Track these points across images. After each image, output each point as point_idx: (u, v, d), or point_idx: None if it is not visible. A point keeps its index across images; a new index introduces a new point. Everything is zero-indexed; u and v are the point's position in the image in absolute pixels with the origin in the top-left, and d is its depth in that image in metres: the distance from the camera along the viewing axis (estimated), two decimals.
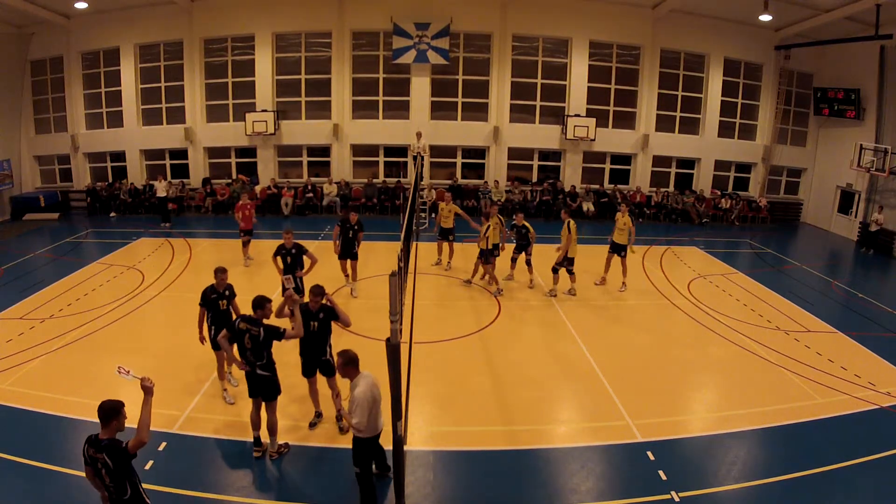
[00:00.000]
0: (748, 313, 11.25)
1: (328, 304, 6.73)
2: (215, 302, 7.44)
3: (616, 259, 12.27)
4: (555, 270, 11.64)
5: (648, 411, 7.52)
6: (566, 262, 11.47)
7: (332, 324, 6.81)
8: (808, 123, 20.51)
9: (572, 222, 11.26)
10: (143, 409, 4.26)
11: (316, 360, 6.78)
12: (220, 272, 7.52)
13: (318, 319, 6.63)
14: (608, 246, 12.44)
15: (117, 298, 10.99)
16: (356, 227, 11.01)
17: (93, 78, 19.45)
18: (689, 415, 7.69)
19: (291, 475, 6.16)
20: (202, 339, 7.55)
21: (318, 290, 6.66)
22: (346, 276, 11.48)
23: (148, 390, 4.35)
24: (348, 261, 11.24)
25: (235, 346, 6.30)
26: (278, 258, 9.54)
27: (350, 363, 5.34)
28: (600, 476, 6.33)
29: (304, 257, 9.53)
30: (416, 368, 8.33)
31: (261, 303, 6.22)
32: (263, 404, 6.31)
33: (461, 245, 13.86)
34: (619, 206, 13.73)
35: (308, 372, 6.86)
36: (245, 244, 13.33)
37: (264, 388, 6.23)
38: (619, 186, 20.17)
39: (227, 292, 7.55)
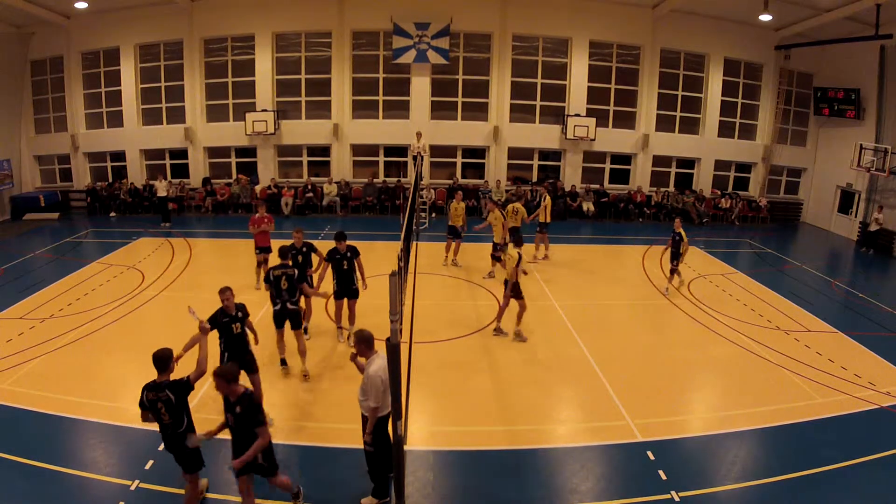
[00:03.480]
0: (748, 313, 11.25)
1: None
2: (228, 326, 6.60)
3: (539, 237, 14.02)
4: (497, 258, 12.61)
5: (648, 411, 7.52)
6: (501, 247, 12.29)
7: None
8: (808, 123, 20.50)
9: (499, 211, 12.59)
10: (200, 348, 5.54)
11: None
12: (224, 291, 6.61)
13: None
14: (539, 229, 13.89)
15: (117, 298, 10.99)
16: (349, 255, 8.88)
17: (93, 78, 19.45)
18: (689, 415, 7.70)
19: (291, 475, 6.14)
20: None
21: (225, 373, 4.95)
22: (340, 325, 9.30)
23: (204, 331, 5.80)
24: (345, 300, 9.04)
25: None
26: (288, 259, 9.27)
27: (365, 342, 5.49)
28: (600, 476, 6.33)
29: (313, 255, 9.41)
30: (416, 368, 8.35)
31: (285, 253, 8.28)
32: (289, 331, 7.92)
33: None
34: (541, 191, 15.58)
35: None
36: (263, 263, 11.23)
37: (292, 318, 7.97)
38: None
39: (239, 314, 6.68)
